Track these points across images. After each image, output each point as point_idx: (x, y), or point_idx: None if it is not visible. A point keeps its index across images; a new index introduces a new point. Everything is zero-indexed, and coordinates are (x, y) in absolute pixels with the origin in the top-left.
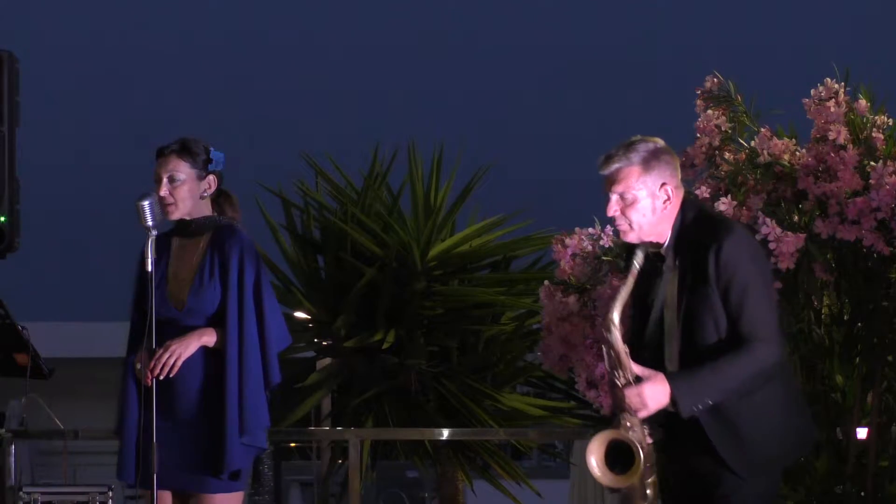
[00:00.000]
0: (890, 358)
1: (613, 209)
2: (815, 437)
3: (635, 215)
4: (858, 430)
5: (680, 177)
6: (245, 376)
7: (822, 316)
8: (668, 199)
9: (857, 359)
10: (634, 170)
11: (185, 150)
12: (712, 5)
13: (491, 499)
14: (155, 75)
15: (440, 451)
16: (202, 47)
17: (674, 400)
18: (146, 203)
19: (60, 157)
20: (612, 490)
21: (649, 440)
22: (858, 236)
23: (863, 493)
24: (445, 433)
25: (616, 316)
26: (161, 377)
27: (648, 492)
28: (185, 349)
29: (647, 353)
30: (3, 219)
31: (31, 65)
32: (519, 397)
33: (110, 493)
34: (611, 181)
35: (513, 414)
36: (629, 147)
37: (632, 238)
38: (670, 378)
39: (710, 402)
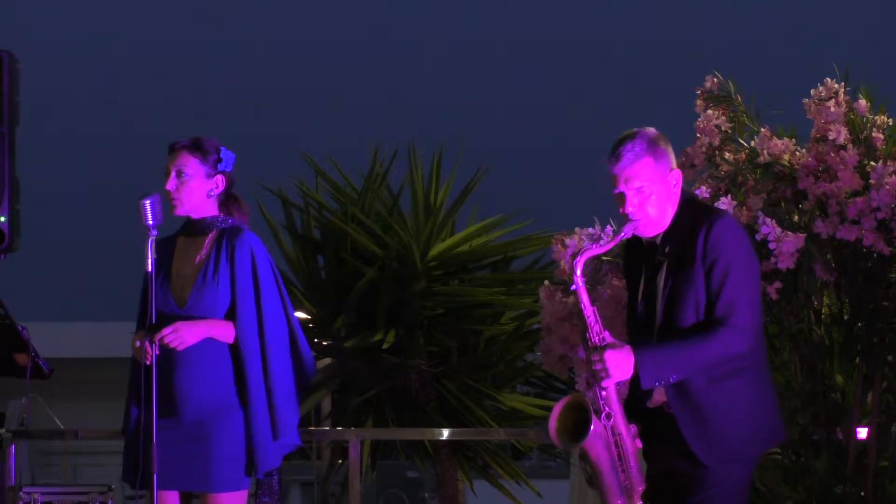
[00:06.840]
0: (890, 358)
1: (633, 204)
2: (784, 435)
3: (652, 207)
4: (858, 430)
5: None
6: (271, 375)
7: (822, 316)
8: (676, 183)
9: (857, 359)
10: (647, 161)
11: (196, 146)
12: (713, 5)
13: (491, 499)
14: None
15: (440, 451)
16: (203, 47)
17: (637, 372)
18: (148, 202)
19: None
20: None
21: (638, 444)
22: (858, 236)
23: (863, 493)
24: (445, 433)
25: (579, 270)
26: (159, 352)
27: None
28: (192, 334)
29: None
30: (2, 219)
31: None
32: (519, 397)
33: (110, 493)
34: (626, 177)
35: (513, 414)
36: (633, 139)
37: (650, 231)
38: (636, 349)
39: (673, 379)
